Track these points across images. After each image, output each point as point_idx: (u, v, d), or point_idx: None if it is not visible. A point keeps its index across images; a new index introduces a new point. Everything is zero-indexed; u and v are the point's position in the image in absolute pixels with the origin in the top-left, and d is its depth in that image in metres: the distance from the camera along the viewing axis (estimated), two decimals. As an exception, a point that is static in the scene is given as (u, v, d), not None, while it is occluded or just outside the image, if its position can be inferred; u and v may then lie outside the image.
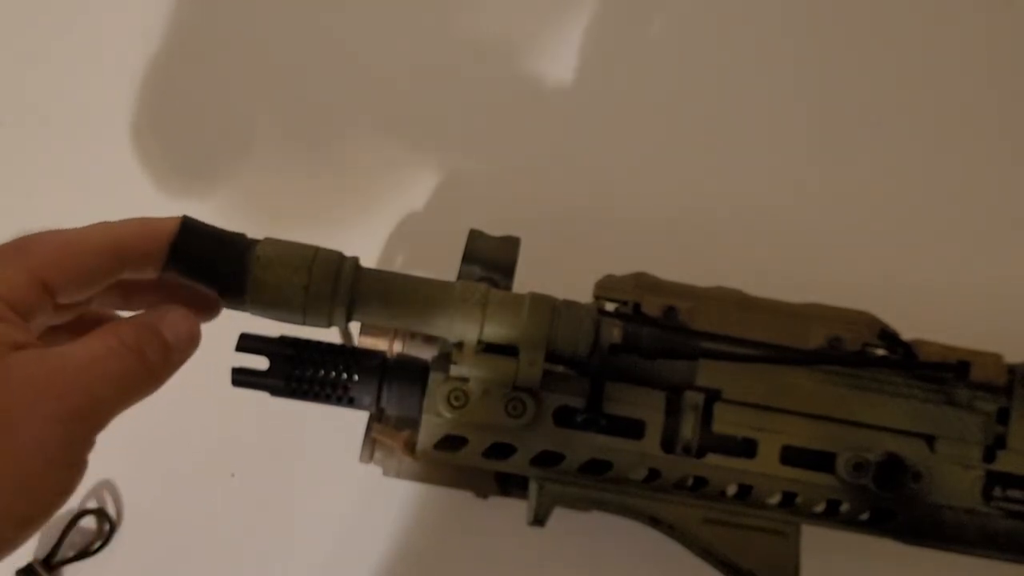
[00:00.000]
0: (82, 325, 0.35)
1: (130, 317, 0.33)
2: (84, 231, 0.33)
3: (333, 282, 0.36)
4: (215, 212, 0.59)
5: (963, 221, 0.58)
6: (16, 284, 0.31)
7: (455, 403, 0.39)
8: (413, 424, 0.41)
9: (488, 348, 0.38)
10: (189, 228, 0.35)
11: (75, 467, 0.30)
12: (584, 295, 0.42)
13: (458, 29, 0.62)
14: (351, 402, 0.40)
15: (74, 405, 0.29)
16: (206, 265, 0.36)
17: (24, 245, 0.32)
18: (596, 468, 0.40)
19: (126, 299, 0.37)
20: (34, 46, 0.62)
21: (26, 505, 0.29)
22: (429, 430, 0.40)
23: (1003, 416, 0.42)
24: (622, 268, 0.44)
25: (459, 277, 0.44)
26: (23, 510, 0.29)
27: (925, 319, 0.45)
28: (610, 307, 0.43)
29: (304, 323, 0.37)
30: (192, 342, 0.34)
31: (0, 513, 0.28)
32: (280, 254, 0.36)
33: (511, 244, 0.45)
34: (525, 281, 0.44)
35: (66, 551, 0.54)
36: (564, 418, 0.40)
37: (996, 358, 0.42)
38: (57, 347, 0.30)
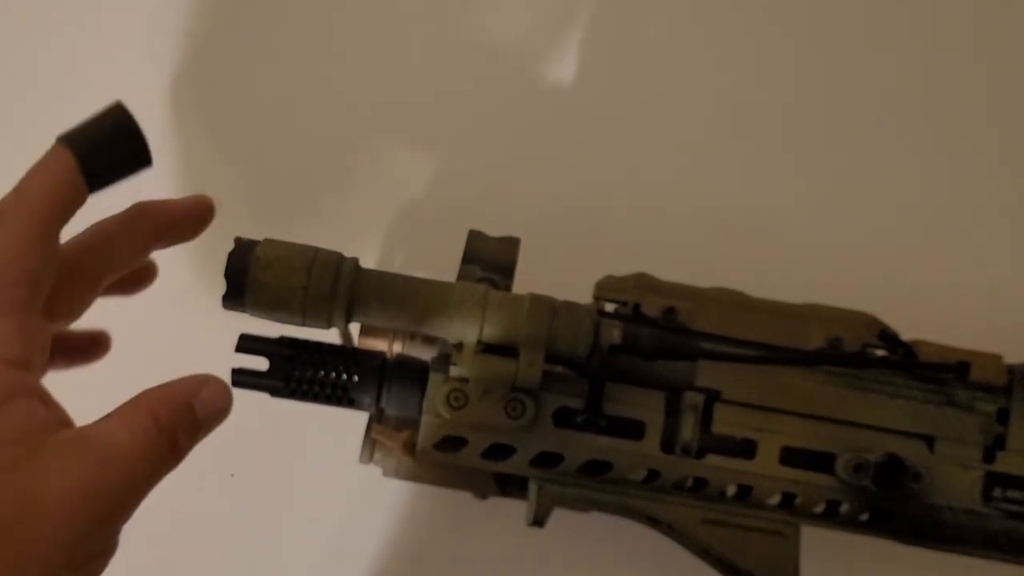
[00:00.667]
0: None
1: (167, 387, 0.32)
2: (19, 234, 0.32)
3: (332, 283, 0.36)
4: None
5: (963, 221, 0.58)
6: (7, 336, 0.30)
7: (455, 404, 0.39)
8: (413, 425, 0.41)
9: (488, 349, 0.38)
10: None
11: (104, 554, 0.30)
12: (584, 295, 0.42)
13: (458, 29, 0.62)
14: (351, 403, 0.40)
15: (105, 507, 0.29)
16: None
17: None
18: (595, 469, 0.40)
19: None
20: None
21: None
22: (429, 431, 0.40)
23: (1003, 417, 0.42)
24: (622, 268, 0.44)
25: (459, 278, 0.44)
26: None
27: (925, 319, 0.45)
28: (610, 308, 0.43)
29: (304, 324, 0.37)
30: (221, 419, 0.33)
31: None
32: (279, 255, 0.36)
33: (511, 245, 0.45)
34: (525, 282, 0.44)
35: (66, 551, 0.54)
36: (564, 419, 0.40)
37: (996, 359, 0.42)
38: (93, 430, 0.29)
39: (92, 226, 0.35)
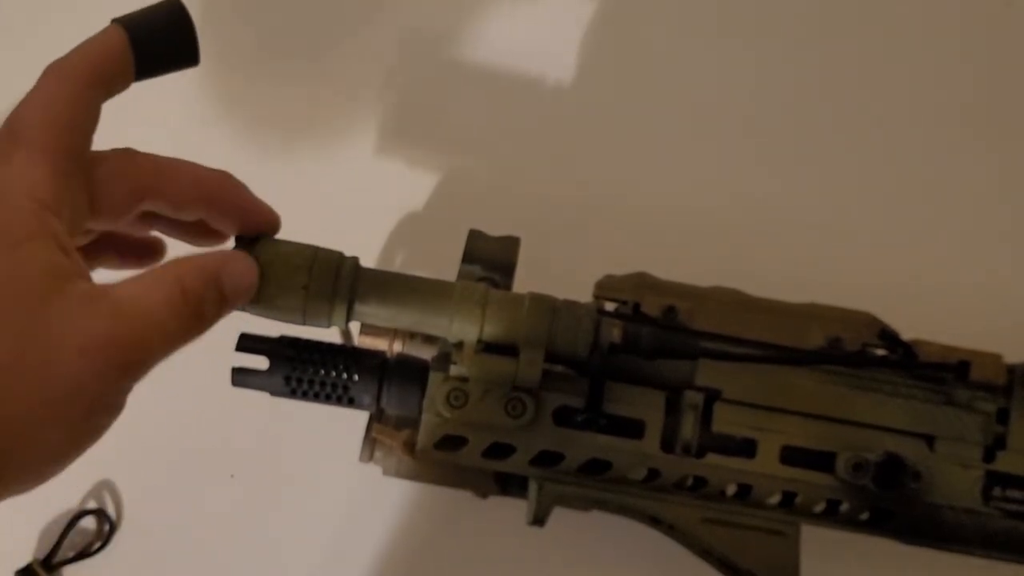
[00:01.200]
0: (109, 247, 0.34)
1: (197, 258, 0.31)
2: (44, 83, 0.31)
3: (333, 282, 0.36)
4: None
5: (963, 221, 0.58)
6: (40, 178, 0.29)
7: (455, 403, 0.39)
8: (413, 424, 0.42)
9: (488, 348, 0.38)
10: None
11: (114, 410, 0.29)
12: (584, 295, 0.42)
13: (458, 29, 0.62)
14: (351, 402, 0.40)
15: (126, 360, 0.28)
16: None
17: (10, 132, 0.30)
18: (596, 468, 0.40)
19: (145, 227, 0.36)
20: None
21: (63, 442, 0.28)
22: (429, 430, 0.40)
23: (1003, 416, 0.42)
24: (622, 268, 0.44)
25: (459, 277, 0.44)
26: (59, 446, 0.28)
27: (925, 319, 0.45)
28: (610, 307, 0.43)
29: (304, 323, 0.37)
30: (247, 295, 0.33)
31: (40, 445, 0.27)
32: (280, 254, 0.36)
33: (511, 244, 0.45)
34: (525, 281, 0.44)
35: (66, 551, 0.54)
36: (564, 418, 0.40)
37: (996, 358, 0.42)
38: (116, 289, 0.29)
39: (175, 159, 0.34)
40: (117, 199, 0.33)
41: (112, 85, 0.32)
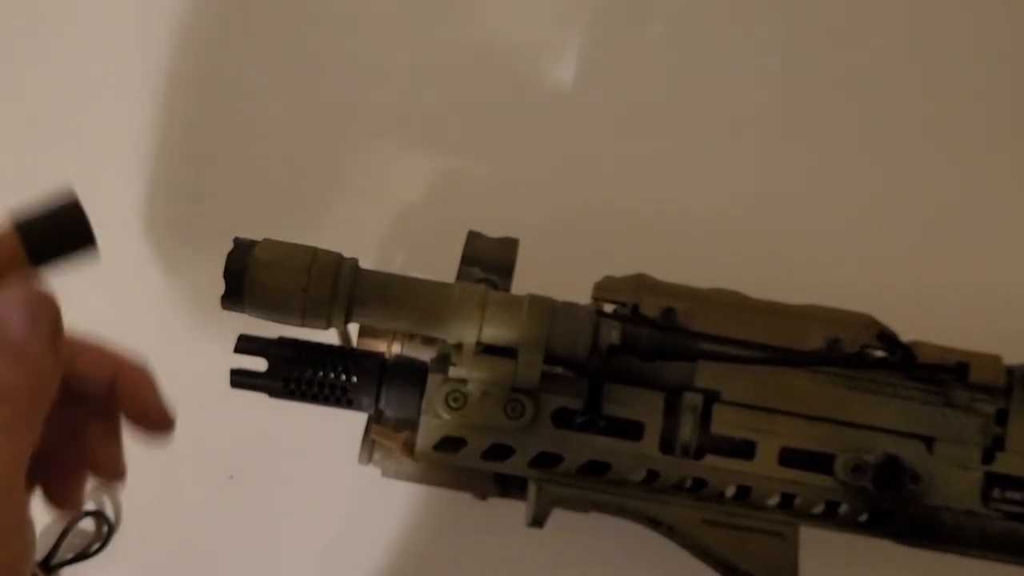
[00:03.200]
0: None
1: None
2: None
3: (332, 284, 0.36)
4: (213, 214, 0.59)
5: (963, 222, 0.58)
6: None
7: (454, 404, 0.39)
8: (412, 425, 0.41)
9: (487, 349, 0.38)
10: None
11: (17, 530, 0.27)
12: (583, 296, 0.42)
13: (458, 29, 0.62)
14: (350, 403, 0.40)
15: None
16: None
17: None
18: (595, 469, 0.40)
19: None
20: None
21: None
22: (428, 431, 0.40)
23: (1002, 418, 0.42)
24: (621, 269, 0.44)
25: (458, 278, 0.44)
26: None
27: (924, 320, 0.45)
28: (609, 308, 0.43)
29: (303, 325, 0.37)
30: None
31: None
32: (279, 256, 0.36)
33: (510, 245, 0.45)
34: (524, 282, 0.44)
35: (64, 553, 0.54)
36: (563, 419, 0.40)
37: (995, 360, 0.42)
38: None
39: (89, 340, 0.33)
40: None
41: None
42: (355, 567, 0.55)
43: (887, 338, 0.43)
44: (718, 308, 0.43)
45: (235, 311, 0.37)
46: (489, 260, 0.45)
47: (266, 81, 0.62)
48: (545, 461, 0.40)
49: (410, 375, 0.40)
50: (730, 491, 0.41)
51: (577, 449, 0.40)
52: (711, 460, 0.41)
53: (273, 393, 0.39)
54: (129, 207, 0.59)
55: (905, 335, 0.43)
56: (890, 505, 0.41)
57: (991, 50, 0.60)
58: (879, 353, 0.43)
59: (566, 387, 0.40)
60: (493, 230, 0.46)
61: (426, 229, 0.59)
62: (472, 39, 0.62)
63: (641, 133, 0.60)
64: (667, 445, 0.41)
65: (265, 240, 0.37)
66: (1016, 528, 0.41)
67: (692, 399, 0.41)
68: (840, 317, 0.43)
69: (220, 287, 0.37)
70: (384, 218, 0.59)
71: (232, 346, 0.39)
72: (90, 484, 0.36)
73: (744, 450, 0.41)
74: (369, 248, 0.58)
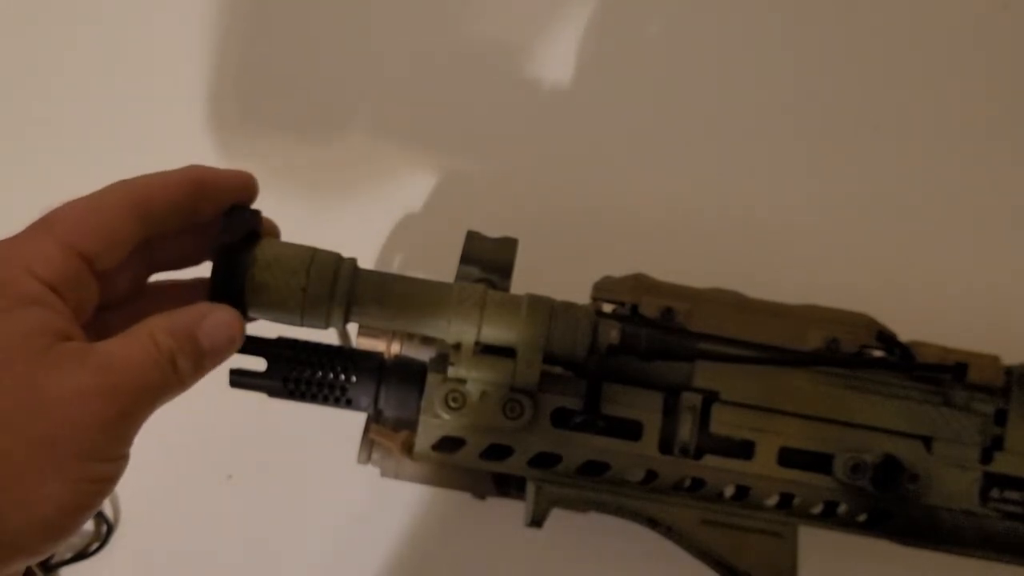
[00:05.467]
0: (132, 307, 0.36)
1: (171, 315, 0.33)
2: (102, 192, 0.33)
3: (331, 284, 0.36)
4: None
5: (961, 222, 0.58)
6: (50, 258, 0.31)
7: (453, 404, 0.39)
8: (411, 425, 0.42)
9: (486, 349, 0.38)
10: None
11: (109, 460, 0.30)
12: (582, 296, 0.42)
13: (458, 29, 0.62)
14: (349, 403, 0.40)
15: (113, 408, 0.29)
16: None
17: (48, 218, 0.32)
18: (594, 469, 0.40)
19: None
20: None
21: (63, 493, 0.29)
22: (427, 431, 0.40)
23: (1000, 418, 0.42)
24: (620, 269, 0.44)
25: (457, 278, 0.44)
26: (60, 497, 0.29)
27: (923, 321, 0.45)
28: (608, 308, 0.43)
29: (302, 324, 0.37)
30: (230, 347, 0.34)
31: (41, 496, 0.28)
32: (278, 256, 0.36)
33: (509, 245, 0.45)
34: (523, 282, 0.44)
35: (63, 552, 0.54)
36: (562, 419, 0.40)
37: (993, 360, 0.42)
38: (99, 345, 0.30)
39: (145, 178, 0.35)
40: (122, 289, 0.36)
41: (159, 227, 0.34)
42: (354, 567, 0.55)
43: (886, 338, 0.43)
44: (717, 308, 0.43)
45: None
46: (488, 260, 0.45)
47: (265, 81, 0.62)
48: (544, 461, 0.40)
49: (409, 375, 0.40)
50: (729, 491, 0.41)
51: (576, 449, 0.40)
52: (710, 460, 0.41)
53: (272, 393, 0.39)
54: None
55: (904, 335, 0.43)
56: (889, 505, 0.41)
57: (991, 51, 0.60)
58: (878, 353, 0.43)
59: (565, 387, 0.40)
60: (492, 230, 0.46)
61: (425, 229, 0.59)
62: (472, 39, 0.62)
63: (641, 133, 0.60)
64: (666, 445, 0.41)
65: (265, 240, 0.37)
66: (1014, 528, 0.41)
67: (691, 399, 0.41)
68: (839, 317, 0.43)
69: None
70: (383, 218, 0.59)
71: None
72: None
73: (743, 450, 0.41)
74: (368, 248, 0.58)
